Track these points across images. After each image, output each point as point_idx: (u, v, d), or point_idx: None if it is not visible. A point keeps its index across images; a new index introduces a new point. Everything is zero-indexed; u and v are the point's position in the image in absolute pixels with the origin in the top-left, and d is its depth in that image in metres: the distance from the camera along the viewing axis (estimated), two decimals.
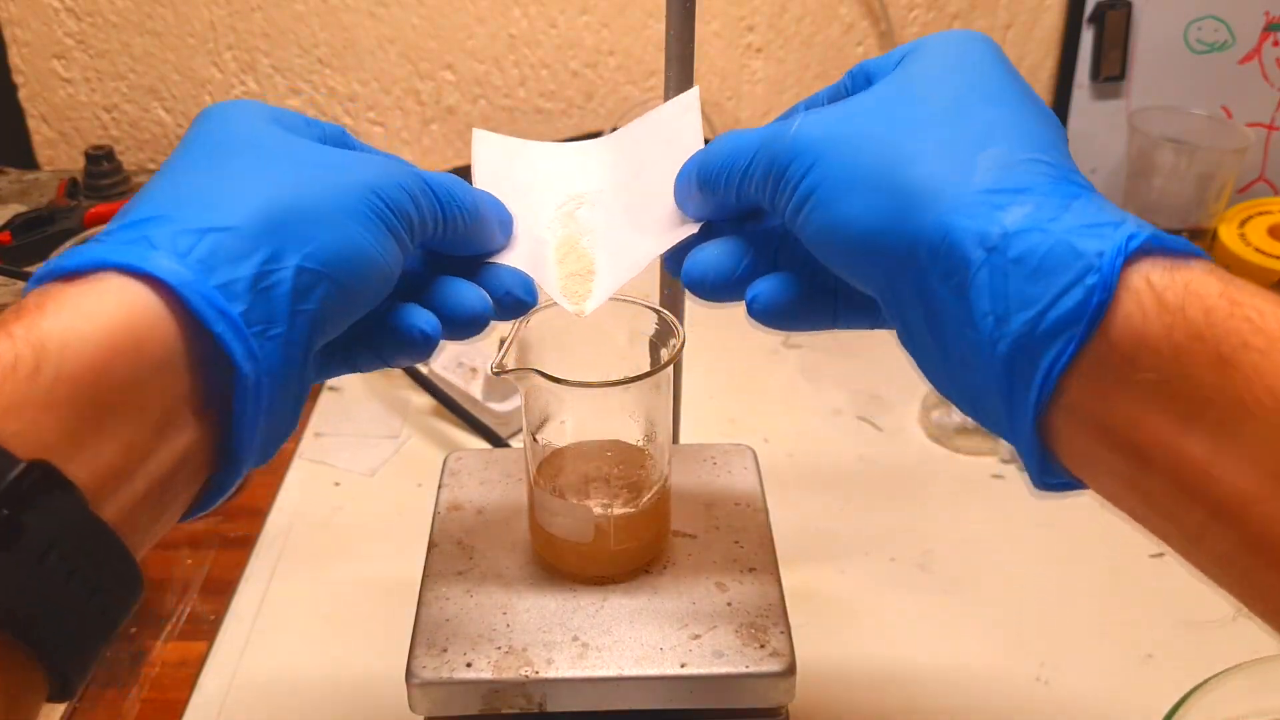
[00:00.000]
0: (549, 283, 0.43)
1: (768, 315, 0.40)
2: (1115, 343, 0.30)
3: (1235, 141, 0.93)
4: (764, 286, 0.40)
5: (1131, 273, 0.30)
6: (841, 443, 0.78)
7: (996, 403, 0.33)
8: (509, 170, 0.47)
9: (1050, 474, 0.34)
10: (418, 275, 0.42)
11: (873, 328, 0.41)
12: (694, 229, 0.42)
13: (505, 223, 0.44)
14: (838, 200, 0.35)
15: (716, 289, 0.41)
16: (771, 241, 0.41)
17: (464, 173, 1.09)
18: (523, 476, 0.55)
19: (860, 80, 0.41)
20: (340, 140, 0.41)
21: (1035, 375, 0.31)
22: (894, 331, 0.38)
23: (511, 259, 0.43)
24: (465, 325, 0.41)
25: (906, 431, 0.79)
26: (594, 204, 0.46)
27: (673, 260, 0.43)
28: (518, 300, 0.42)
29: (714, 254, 0.41)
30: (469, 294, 0.41)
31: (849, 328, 0.42)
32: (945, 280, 0.33)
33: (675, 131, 0.46)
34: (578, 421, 0.49)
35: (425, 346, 0.40)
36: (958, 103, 0.35)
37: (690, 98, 0.49)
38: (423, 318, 0.40)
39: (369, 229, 0.36)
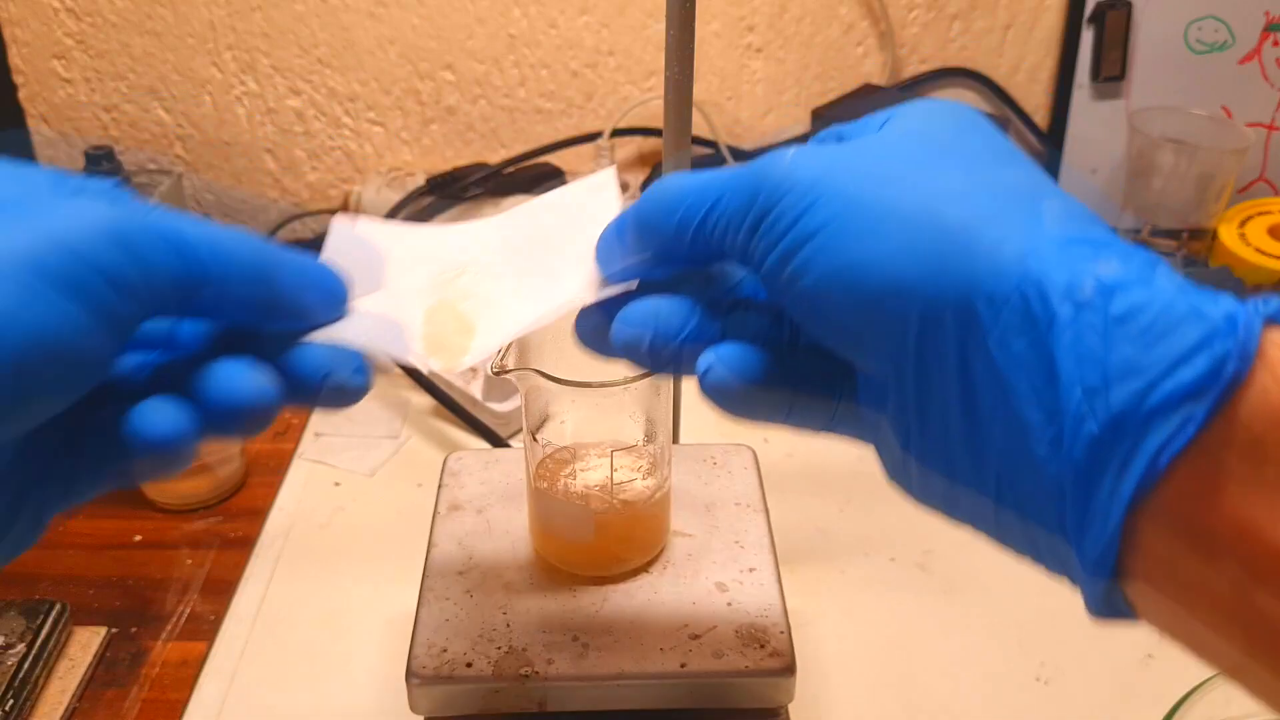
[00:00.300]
0: (406, 346, 0.35)
1: (729, 389, 0.33)
2: (1244, 423, 0.24)
3: (1235, 142, 0.93)
4: (723, 352, 0.33)
5: (1264, 341, 0.25)
6: (841, 443, 0.78)
7: (1057, 508, 0.27)
8: (369, 247, 0.39)
9: (1117, 598, 0.28)
10: (188, 359, 0.31)
11: (826, 429, 0.35)
12: (619, 288, 0.35)
13: (335, 291, 0.34)
14: (852, 242, 0.29)
15: (656, 352, 0.34)
16: (720, 305, 0.34)
17: (464, 173, 1.08)
18: (523, 476, 0.55)
19: (832, 140, 0.34)
20: (106, 196, 0.30)
21: (1135, 464, 0.25)
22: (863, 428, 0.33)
23: (349, 332, 0.34)
24: (234, 419, 0.30)
25: None
26: (480, 272, 0.39)
27: (590, 328, 0.36)
28: (340, 384, 0.32)
29: (652, 308, 0.33)
30: (240, 379, 0.30)
31: (803, 425, 0.35)
32: (1009, 342, 0.27)
33: (587, 204, 0.39)
34: (578, 421, 0.49)
35: (167, 454, 0.29)
36: (984, 153, 0.31)
37: (605, 177, 0.40)
38: (161, 416, 0.29)
39: (39, 295, 0.26)
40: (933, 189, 0.29)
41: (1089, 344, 0.26)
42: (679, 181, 0.33)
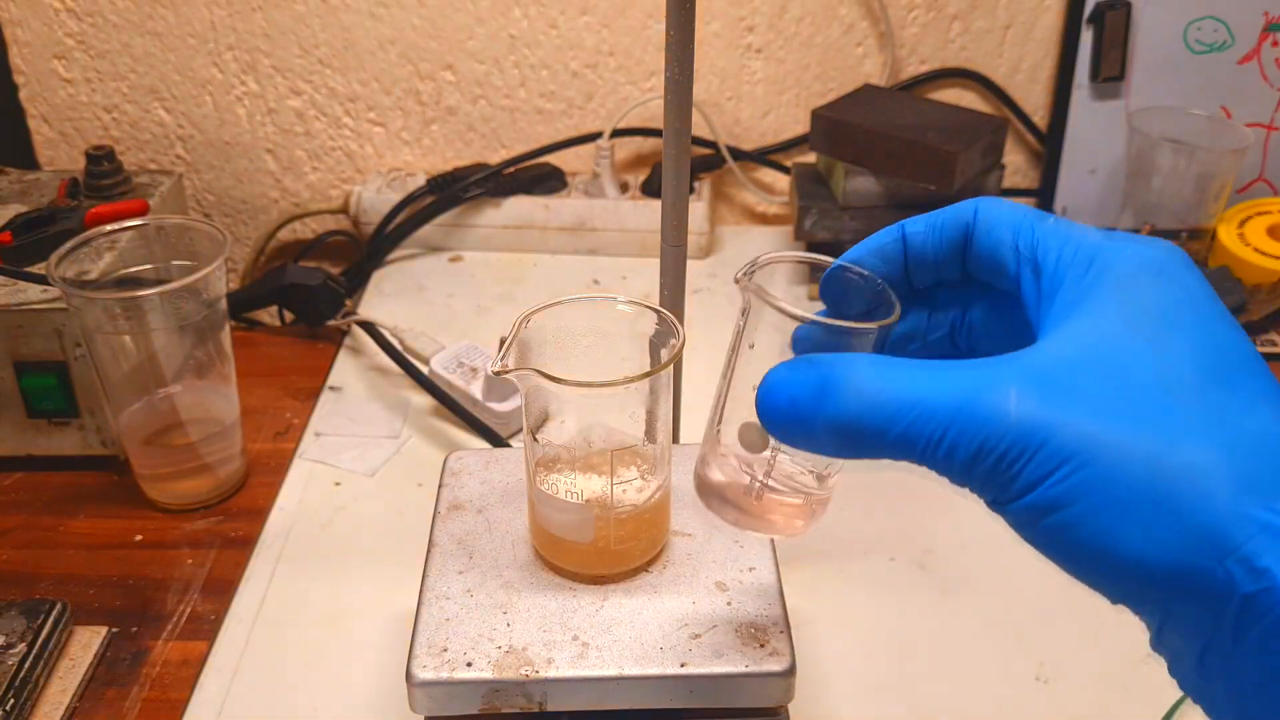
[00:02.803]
0: None
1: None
2: None
3: (1234, 142, 0.93)
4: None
5: None
6: None
7: None
8: None
9: None
10: None
11: None
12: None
13: None
14: (1100, 520, 0.28)
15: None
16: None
17: (464, 173, 1.08)
18: (523, 476, 0.55)
19: (1019, 262, 0.35)
20: None
21: None
22: None
23: None
24: None
25: None
26: None
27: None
28: None
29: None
30: None
31: None
32: (1246, 635, 0.27)
33: None
34: (578, 421, 0.49)
35: None
36: (1209, 376, 0.29)
37: None
38: None
39: None
40: (1177, 469, 0.28)
41: None
42: (893, 395, 0.31)
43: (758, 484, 0.40)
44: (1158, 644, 0.31)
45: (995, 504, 0.31)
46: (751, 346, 0.39)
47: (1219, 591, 0.27)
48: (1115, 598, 0.30)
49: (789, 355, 0.37)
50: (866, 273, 0.39)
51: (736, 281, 0.39)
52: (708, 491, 0.42)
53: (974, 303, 0.39)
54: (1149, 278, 0.31)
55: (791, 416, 0.33)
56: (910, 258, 0.38)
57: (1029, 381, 0.30)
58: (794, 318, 0.37)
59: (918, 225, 0.38)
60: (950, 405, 0.30)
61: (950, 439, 0.30)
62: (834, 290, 0.39)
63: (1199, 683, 0.30)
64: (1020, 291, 0.35)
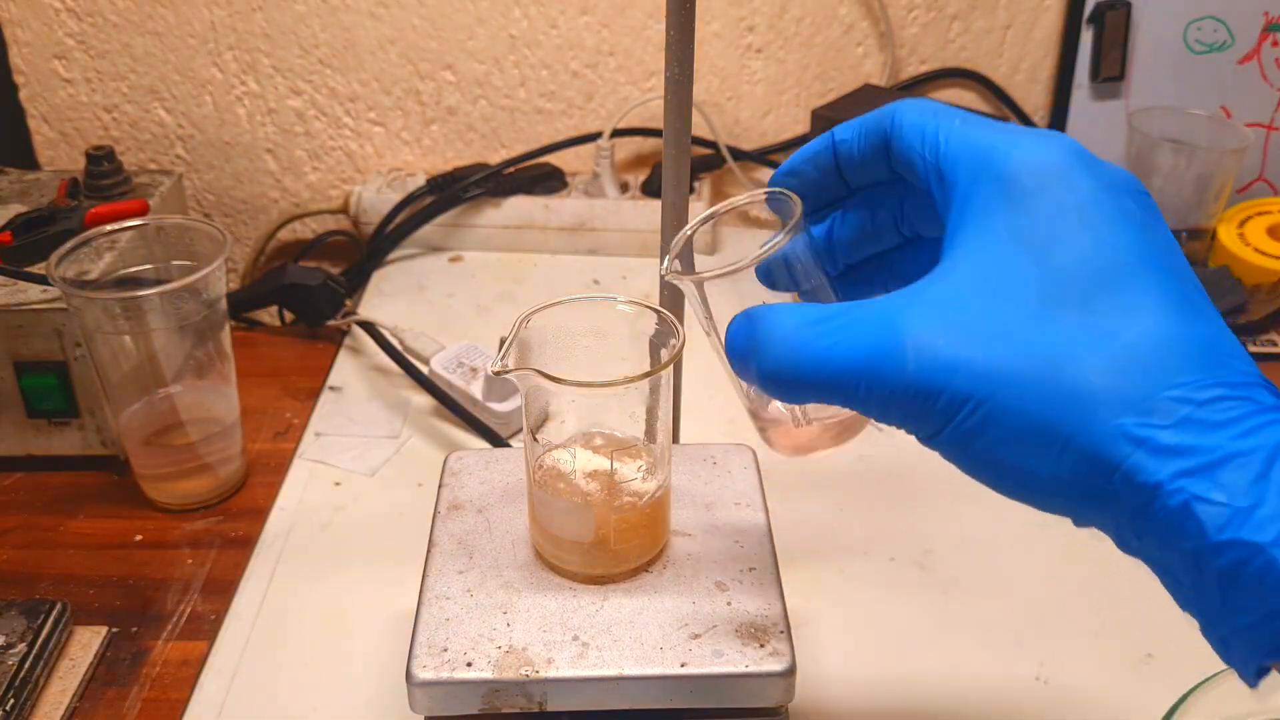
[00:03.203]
0: None
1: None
2: None
3: (1234, 142, 0.93)
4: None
5: None
6: None
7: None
8: None
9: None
10: None
11: None
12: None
13: None
14: (1006, 450, 0.32)
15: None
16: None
17: (464, 173, 1.08)
18: (523, 476, 0.55)
19: (927, 170, 0.37)
20: None
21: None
22: None
23: None
24: None
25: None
26: None
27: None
28: None
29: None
30: None
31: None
32: (1144, 536, 0.32)
33: None
34: (578, 421, 0.49)
35: None
36: (1095, 285, 0.31)
37: None
38: None
39: None
40: (1068, 398, 0.30)
41: (1208, 593, 0.30)
42: (792, 351, 0.34)
43: (799, 416, 0.43)
44: (1081, 525, 0.34)
45: (921, 440, 0.34)
46: (708, 318, 0.42)
47: (1114, 504, 0.31)
48: (1040, 509, 0.34)
49: (747, 303, 0.39)
50: (785, 192, 0.42)
51: (663, 277, 0.42)
52: (769, 434, 0.44)
53: (908, 196, 0.41)
54: (1038, 181, 0.33)
55: (739, 369, 0.37)
56: (841, 163, 0.41)
57: (923, 326, 0.32)
58: (695, 280, 0.40)
59: (846, 133, 0.40)
60: (855, 363, 0.33)
61: (863, 393, 0.33)
62: (784, 209, 0.42)
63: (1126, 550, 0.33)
64: (932, 197, 0.37)
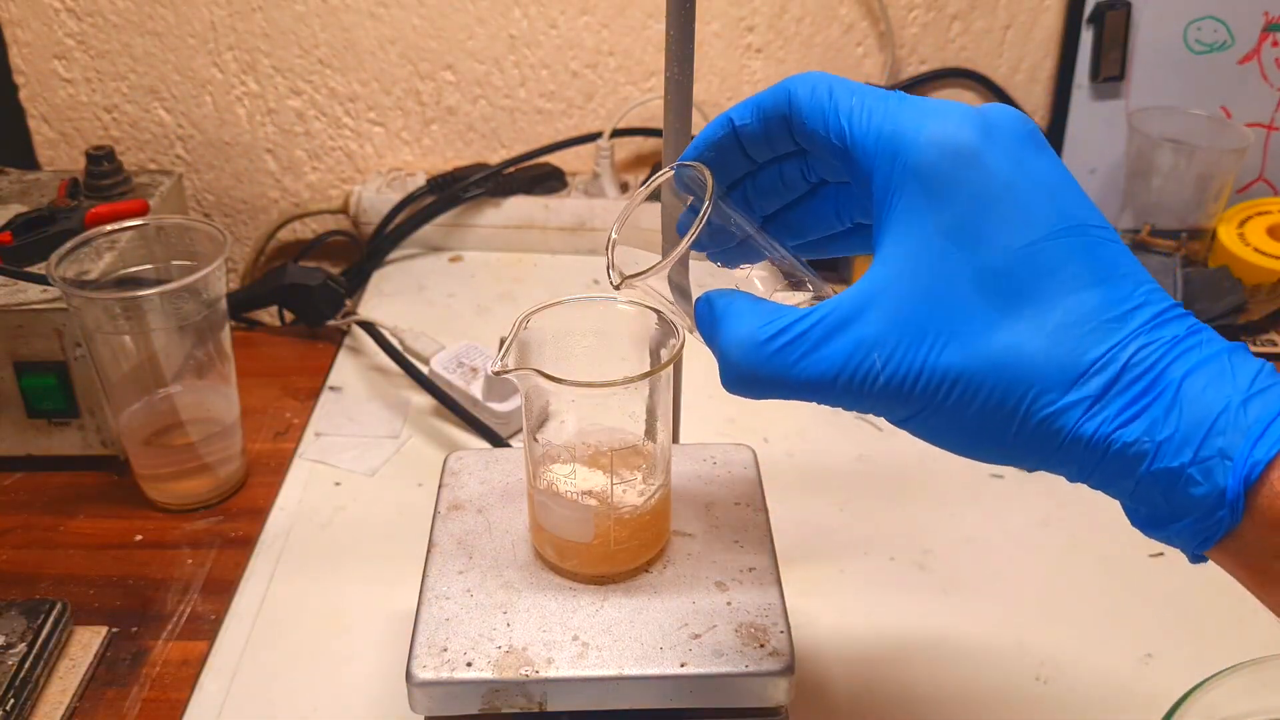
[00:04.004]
0: None
1: None
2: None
3: (1234, 142, 0.93)
4: None
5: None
6: (841, 442, 0.78)
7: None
8: None
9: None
10: None
11: None
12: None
13: None
14: (961, 439, 0.37)
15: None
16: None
17: (464, 173, 1.08)
18: (523, 476, 0.55)
19: (834, 153, 0.38)
20: None
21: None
22: None
23: None
24: None
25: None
26: None
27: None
28: None
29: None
30: None
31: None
32: (1092, 478, 0.35)
33: None
34: (578, 421, 0.49)
35: None
36: (1025, 270, 0.35)
37: None
38: None
39: None
40: (995, 363, 0.34)
41: (1140, 504, 0.35)
42: (748, 361, 0.37)
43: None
44: (1032, 471, 0.37)
45: (889, 421, 0.37)
46: (671, 302, 0.42)
47: (1062, 457, 0.35)
48: (996, 464, 0.37)
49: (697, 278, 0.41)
50: (695, 165, 0.41)
51: (616, 287, 0.42)
52: None
53: (816, 157, 0.42)
54: (951, 171, 0.35)
55: (707, 342, 0.39)
56: (745, 144, 0.41)
57: (886, 334, 0.35)
58: (627, 281, 0.41)
59: (745, 116, 0.40)
60: (828, 377, 0.36)
61: (835, 399, 0.36)
62: (693, 189, 0.42)
63: None
64: (850, 176, 0.39)
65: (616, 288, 0.41)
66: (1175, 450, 0.33)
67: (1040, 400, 0.34)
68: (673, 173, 0.42)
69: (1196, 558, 0.36)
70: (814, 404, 0.37)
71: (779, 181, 0.43)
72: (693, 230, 0.39)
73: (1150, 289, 0.35)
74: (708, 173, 0.40)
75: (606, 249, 0.42)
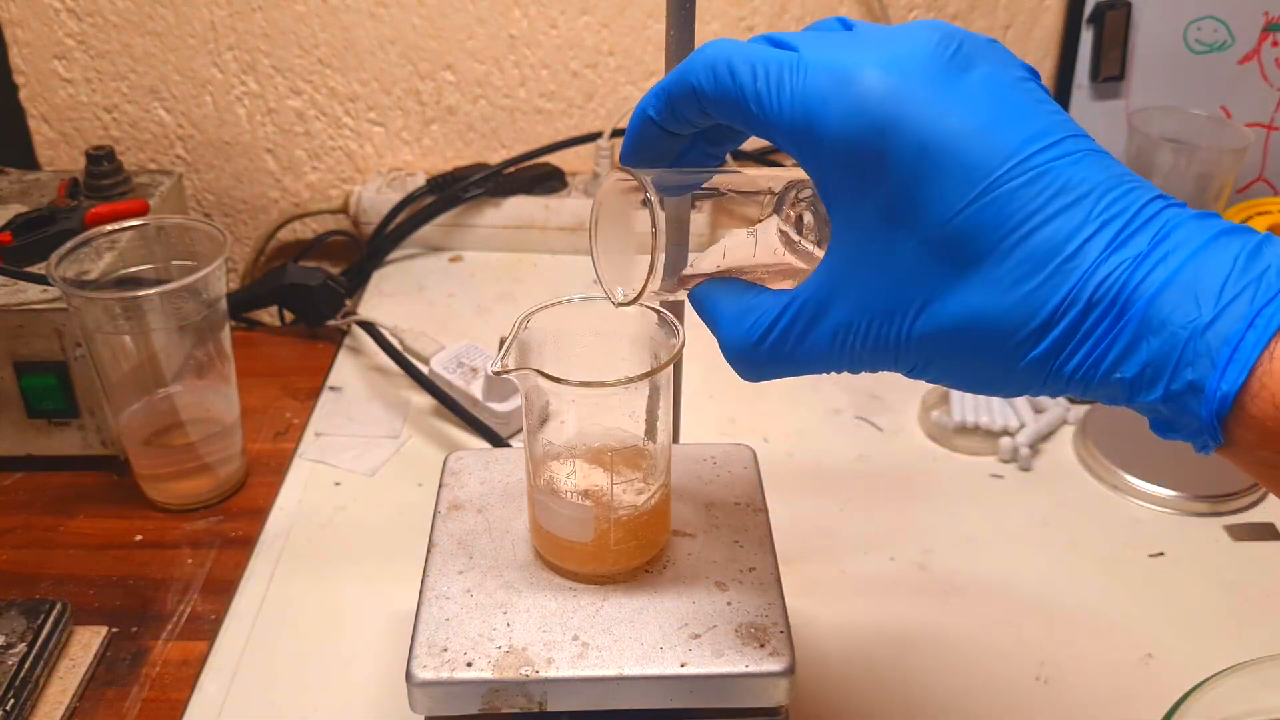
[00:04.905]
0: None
1: None
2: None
3: (1234, 141, 0.93)
4: None
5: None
6: (841, 443, 0.78)
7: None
8: None
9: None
10: None
11: None
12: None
13: None
14: (959, 378, 0.36)
15: None
16: None
17: (464, 173, 1.08)
18: (523, 476, 0.55)
19: (752, 132, 0.37)
20: None
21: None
22: None
23: None
24: None
25: (906, 431, 0.79)
26: None
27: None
28: None
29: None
30: None
31: None
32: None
33: None
34: (578, 421, 0.49)
35: None
36: (971, 237, 0.34)
37: None
38: None
39: None
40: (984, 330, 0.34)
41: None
42: (807, 348, 0.38)
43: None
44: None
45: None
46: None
47: (1049, 385, 0.35)
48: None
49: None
50: (630, 172, 0.40)
51: (621, 306, 0.42)
52: None
53: None
54: (875, 154, 0.34)
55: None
56: (671, 130, 0.40)
57: (859, 317, 0.36)
58: (644, 303, 0.41)
59: (658, 108, 0.39)
60: (818, 360, 0.37)
61: (828, 371, 0.38)
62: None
63: None
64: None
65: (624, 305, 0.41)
66: (1148, 385, 0.32)
67: (1017, 352, 0.34)
68: (615, 182, 0.41)
69: (1202, 446, 0.34)
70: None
71: (724, 137, 0.42)
72: (656, 248, 0.38)
73: (1109, 203, 0.33)
74: (645, 181, 0.39)
75: (595, 270, 0.42)
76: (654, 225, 0.38)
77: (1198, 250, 0.32)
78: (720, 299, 0.39)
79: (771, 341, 0.37)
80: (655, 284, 0.39)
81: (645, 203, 0.39)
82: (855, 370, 0.37)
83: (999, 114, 0.34)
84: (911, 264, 0.34)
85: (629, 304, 0.41)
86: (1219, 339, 0.31)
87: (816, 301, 0.36)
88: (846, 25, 0.37)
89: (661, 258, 0.39)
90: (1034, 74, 0.36)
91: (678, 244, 0.41)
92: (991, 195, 0.33)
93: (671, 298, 0.42)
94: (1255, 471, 0.33)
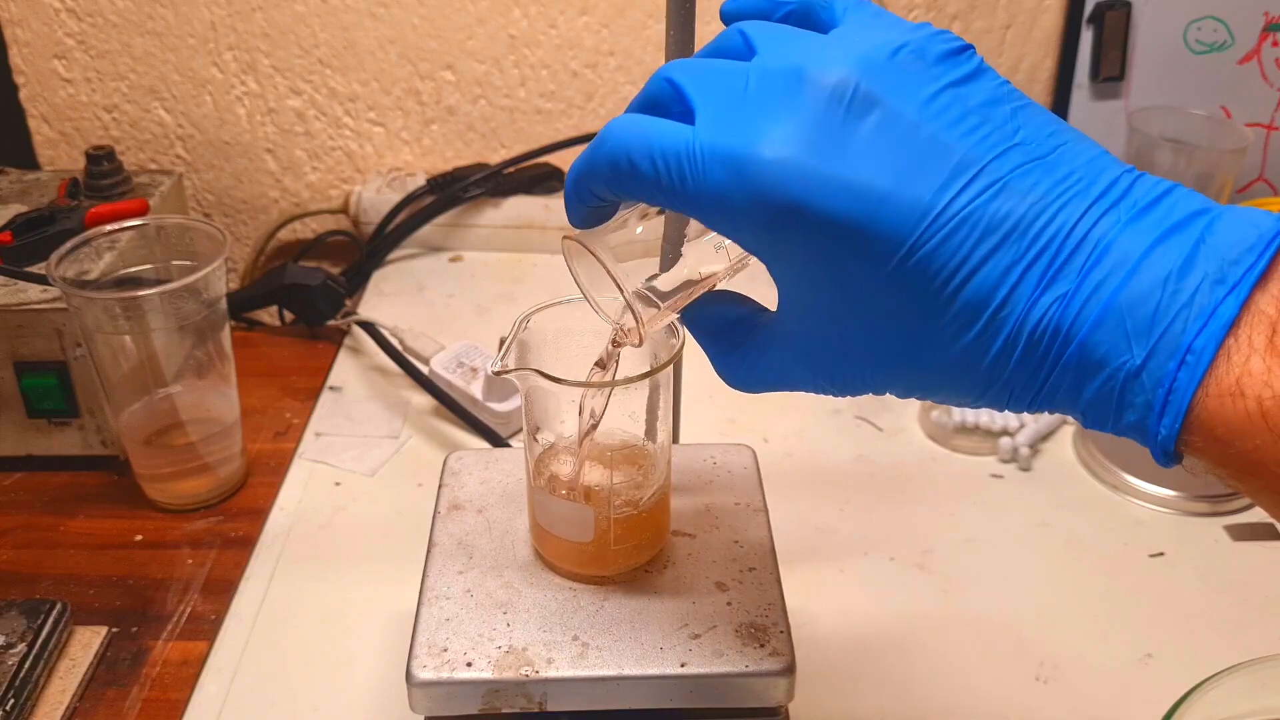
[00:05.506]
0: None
1: None
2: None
3: (1234, 141, 0.93)
4: None
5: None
6: (841, 443, 0.78)
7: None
8: None
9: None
10: None
11: None
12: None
13: None
14: (934, 397, 0.36)
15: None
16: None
17: (464, 173, 1.08)
18: (523, 476, 0.55)
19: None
20: None
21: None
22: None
23: None
24: None
25: (906, 431, 0.79)
26: None
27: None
28: None
29: None
30: None
31: None
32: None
33: None
34: (578, 421, 0.49)
35: None
36: (890, 316, 0.33)
37: None
38: None
39: None
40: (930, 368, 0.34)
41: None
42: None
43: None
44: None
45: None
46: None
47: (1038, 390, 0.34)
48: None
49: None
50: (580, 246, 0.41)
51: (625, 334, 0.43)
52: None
53: None
54: (776, 233, 0.33)
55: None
56: (610, 199, 0.39)
57: (810, 376, 0.37)
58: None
59: (582, 194, 0.39)
60: (789, 387, 0.38)
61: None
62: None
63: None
64: None
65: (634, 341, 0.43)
66: (1098, 422, 0.32)
67: (973, 394, 0.34)
68: (574, 243, 0.41)
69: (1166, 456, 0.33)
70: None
71: None
72: (640, 322, 0.40)
73: (1036, 233, 0.31)
74: (601, 256, 0.39)
75: (593, 307, 0.42)
76: (635, 316, 0.40)
77: (1130, 274, 0.30)
78: (697, 332, 0.40)
79: (747, 372, 0.38)
80: (649, 329, 0.41)
81: (623, 304, 0.40)
82: (844, 395, 0.37)
83: (906, 163, 0.31)
84: (850, 321, 0.34)
85: (639, 345, 0.42)
86: (1153, 380, 0.30)
87: (786, 334, 0.37)
88: (748, 44, 0.35)
89: (644, 325, 0.40)
90: (956, 52, 0.33)
91: (657, 269, 0.42)
92: (913, 260, 0.31)
93: (672, 319, 0.42)
94: (1216, 477, 0.32)
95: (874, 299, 0.33)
